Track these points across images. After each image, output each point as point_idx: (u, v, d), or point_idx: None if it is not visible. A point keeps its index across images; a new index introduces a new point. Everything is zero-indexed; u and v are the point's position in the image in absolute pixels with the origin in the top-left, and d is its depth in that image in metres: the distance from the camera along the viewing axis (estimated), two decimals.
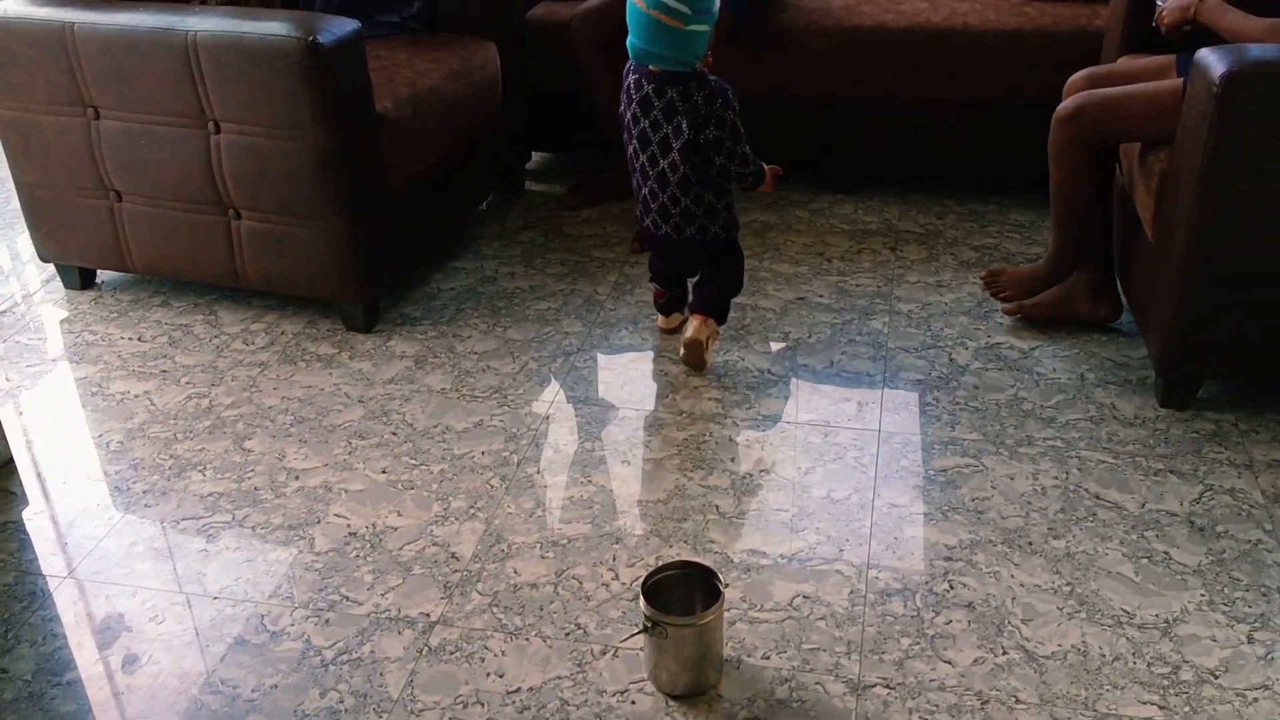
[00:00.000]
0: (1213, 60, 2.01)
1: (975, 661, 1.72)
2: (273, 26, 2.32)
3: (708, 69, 2.28)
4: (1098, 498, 2.06)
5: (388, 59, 2.74)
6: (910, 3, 3.08)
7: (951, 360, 2.48)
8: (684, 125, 2.25)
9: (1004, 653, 1.73)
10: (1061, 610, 1.80)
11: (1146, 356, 2.41)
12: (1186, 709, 1.62)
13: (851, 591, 1.86)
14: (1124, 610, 1.80)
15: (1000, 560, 1.91)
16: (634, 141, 2.35)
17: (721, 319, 2.50)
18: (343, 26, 2.36)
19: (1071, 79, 2.56)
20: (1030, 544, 1.95)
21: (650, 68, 2.25)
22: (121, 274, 2.88)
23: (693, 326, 2.43)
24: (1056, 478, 2.11)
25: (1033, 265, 2.65)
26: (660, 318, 2.63)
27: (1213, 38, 2.31)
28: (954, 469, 2.14)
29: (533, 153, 3.42)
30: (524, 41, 3.22)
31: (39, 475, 2.22)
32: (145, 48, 2.38)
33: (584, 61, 3.12)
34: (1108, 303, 2.55)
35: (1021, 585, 1.86)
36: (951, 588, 1.86)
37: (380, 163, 2.52)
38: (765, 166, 2.39)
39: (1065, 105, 2.40)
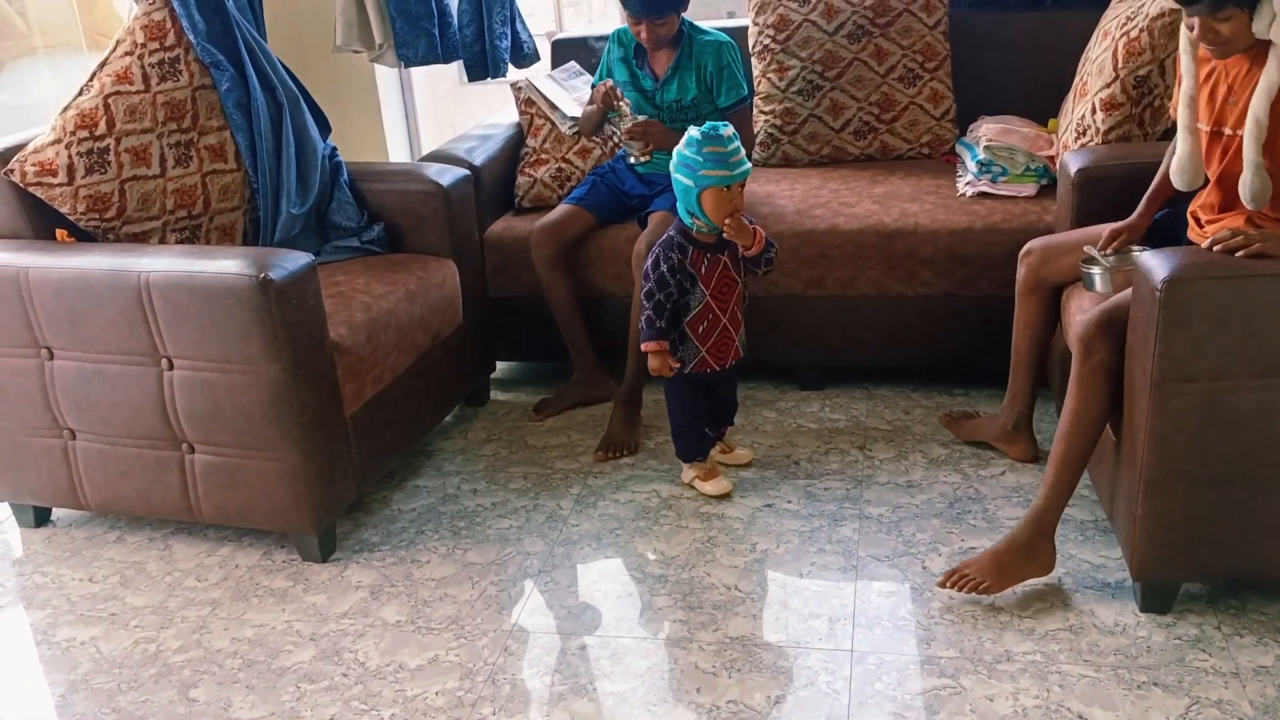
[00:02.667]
0: (1154, 264, 2.02)
1: None
2: (224, 265, 2.34)
3: (726, 234, 2.54)
4: (1081, 717, 1.96)
5: (345, 284, 2.76)
6: (861, 204, 3.14)
7: (925, 568, 2.41)
8: None
9: None
10: None
11: (1123, 557, 2.35)
12: None
13: None
14: None
15: None
16: None
17: (682, 458, 2.82)
18: (295, 261, 2.38)
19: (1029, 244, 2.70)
20: None
21: None
22: (77, 511, 2.82)
23: None
24: (1037, 696, 2.01)
25: (997, 547, 2.30)
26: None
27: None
28: (931, 691, 2.05)
29: (497, 363, 3.42)
30: (484, 257, 3.26)
31: None
32: (98, 289, 2.40)
33: (541, 274, 3.15)
34: (1020, 445, 2.80)
35: None
36: None
37: (334, 391, 2.50)
38: (649, 341, 2.59)
39: (1025, 247, 2.69)
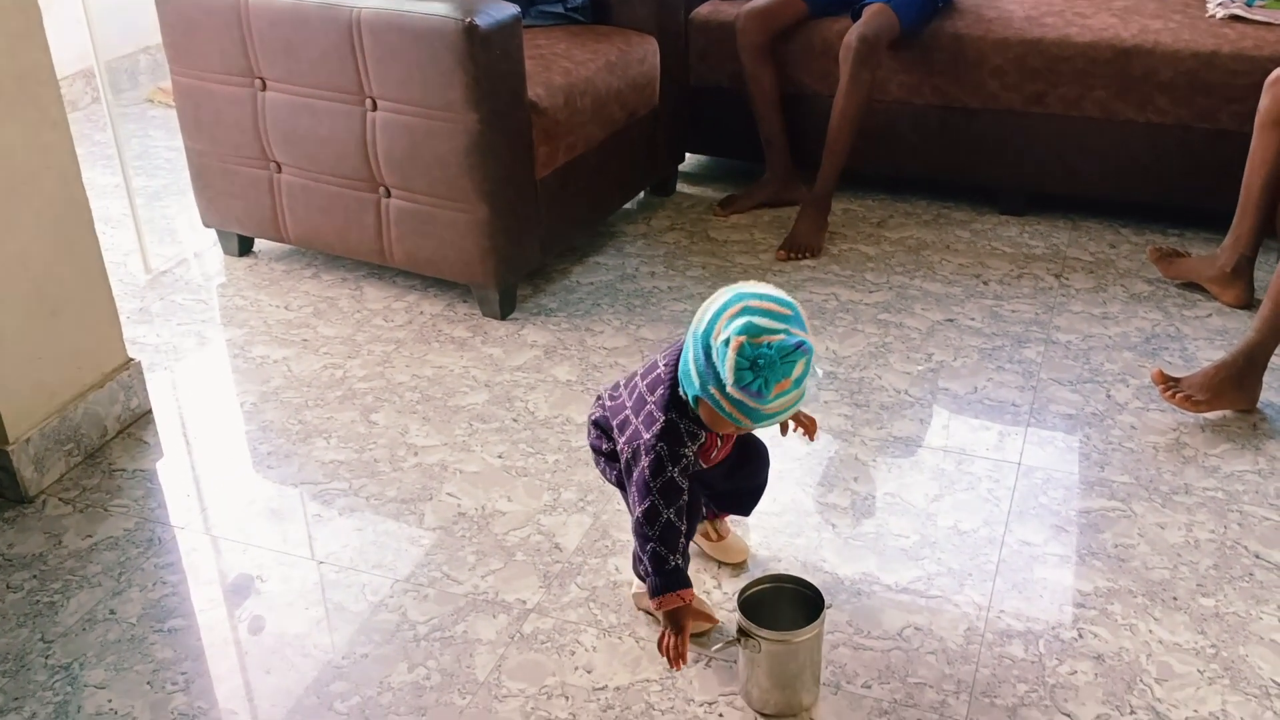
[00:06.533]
0: None
1: (1098, 718, 1.57)
2: (433, 7, 2.34)
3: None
4: (1258, 557, 1.86)
5: (547, 48, 2.74)
6: (1099, 16, 2.90)
7: (1109, 397, 2.31)
8: None
9: (1131, 711, 1.58)
10: (1202, 674, 1.64)
11: None
12: None
13: (969, 629, 1.73)
14: (1274, 681, 1.62)
15: (1139, 613, 1.75)
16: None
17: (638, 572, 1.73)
18: (502, 10, 2.37)
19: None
20: (1175, 599, 1.78)
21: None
22: (277, 245, 2.96)
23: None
24: (1213, 531, 1.92)
25: (1215, 364, 2.22)
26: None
27: None
28: (1098, 511, 1.98)
29: (688, 154, 3.37)
30: (688, 40, 3.18)
31: (175, 428, 2.29)
32: (313, 22, 2.44)
33: (745, 63, 3.05)
34: (1235, 289, 2.60)
35: (1160, 642, 1.69)
36: (1080, 636, 1.71)
37: (528, 151, 2.51)
38: (664, 594, 1.55)
39: (1272, 75, 2.46)
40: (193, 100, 2.71)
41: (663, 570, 1.53)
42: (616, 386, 1.67)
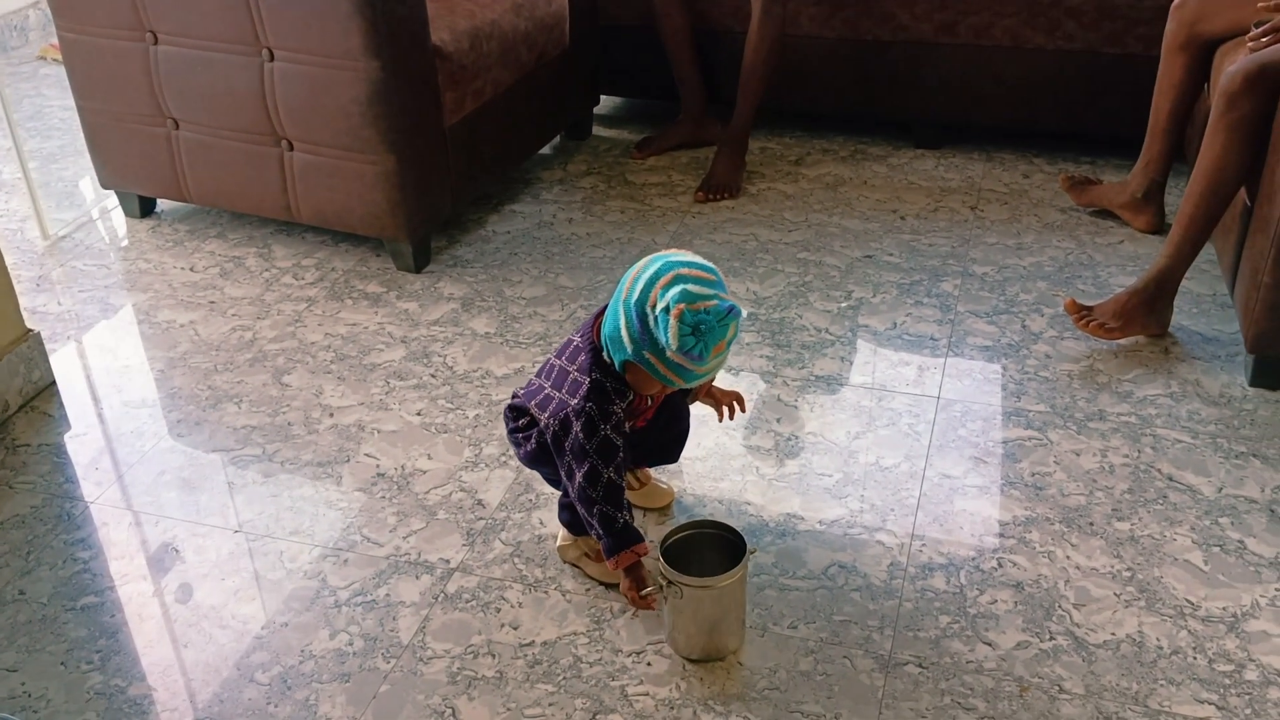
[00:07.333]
0: None
1: (1018, 645, 1.59)
2: None
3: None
4: (1171, 479, 1.90)
5: None
6: None
7: (1024, 327, 2.33)
8: None
9: (1051, 638, 1.60)
10: (1119, 597, 1.67)
11: (1238, 331, 2.23)
12: (1248, 711, 1.48)
13: (891, 564, 1.75)
14: (1188, 601, 1.66)
15: (1056, 540, 1.78)
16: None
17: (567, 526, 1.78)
18: None
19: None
20: (1091, 524, 1.81)
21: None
22: (181, 205, 2.87)
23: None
24: (1127, 456, 1.96)
25: (1127, 291, 2.24)
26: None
27: None
28: (1015, 441, 2.00)
29: (602, 97, 3.32)
30: None
31: (81, 400, 2.21)
32: None
33: (655, 1, 3.00)
34: (1146, 215, 2.63)
35: (1077, 568, 1.72)
36: (1000, 566, 1.73)
37: (434, 97, 2.44)
38: (620, 552, 1.59)
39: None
40: (81, 57, 2.59)
41: (613, 530, 1.57)
42: (529, 382, 1.69)
